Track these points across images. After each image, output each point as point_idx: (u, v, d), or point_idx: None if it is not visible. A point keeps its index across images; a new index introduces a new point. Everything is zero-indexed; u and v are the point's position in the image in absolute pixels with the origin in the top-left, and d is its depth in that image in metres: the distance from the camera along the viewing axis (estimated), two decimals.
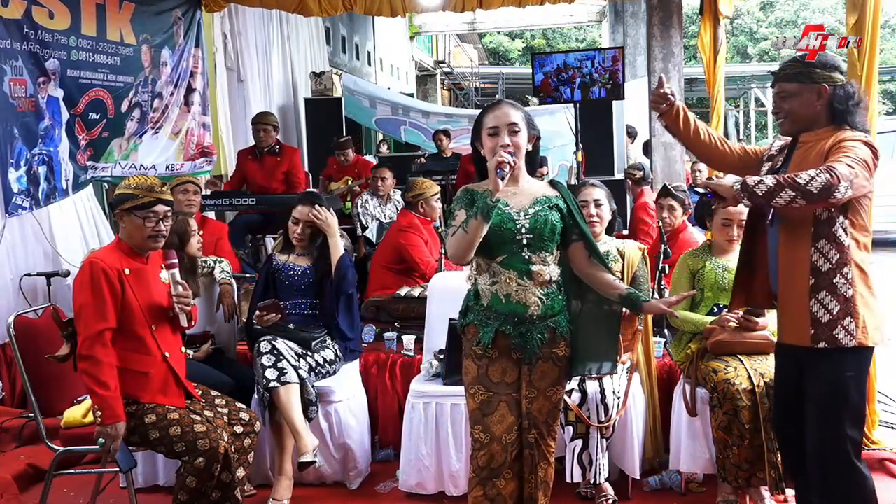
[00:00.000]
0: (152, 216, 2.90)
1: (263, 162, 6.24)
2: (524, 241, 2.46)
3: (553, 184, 2.63)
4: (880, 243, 8.90)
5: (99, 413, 2.76)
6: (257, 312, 3.49)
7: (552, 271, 2.50)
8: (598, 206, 3.40)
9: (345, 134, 9.20)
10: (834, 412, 2.51)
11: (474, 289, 2.56)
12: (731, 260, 3.39)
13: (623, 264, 3.37)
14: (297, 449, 3.31)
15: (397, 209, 6.47)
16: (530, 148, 2.55)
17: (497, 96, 20.35)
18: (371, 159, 10.21)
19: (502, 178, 2.34)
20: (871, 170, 2.43)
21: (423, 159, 9.00)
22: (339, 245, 3.68)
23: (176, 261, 3.01)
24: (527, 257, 2.46)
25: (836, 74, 2.53)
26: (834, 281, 2.46)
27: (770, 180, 2.35)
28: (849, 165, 2.35)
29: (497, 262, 2.48)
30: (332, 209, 3.80)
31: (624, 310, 3.32)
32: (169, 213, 2.98)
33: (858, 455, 2.55)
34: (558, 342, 2.52)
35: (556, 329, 2.51)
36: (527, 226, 2.47)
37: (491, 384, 2.51)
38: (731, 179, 2.46)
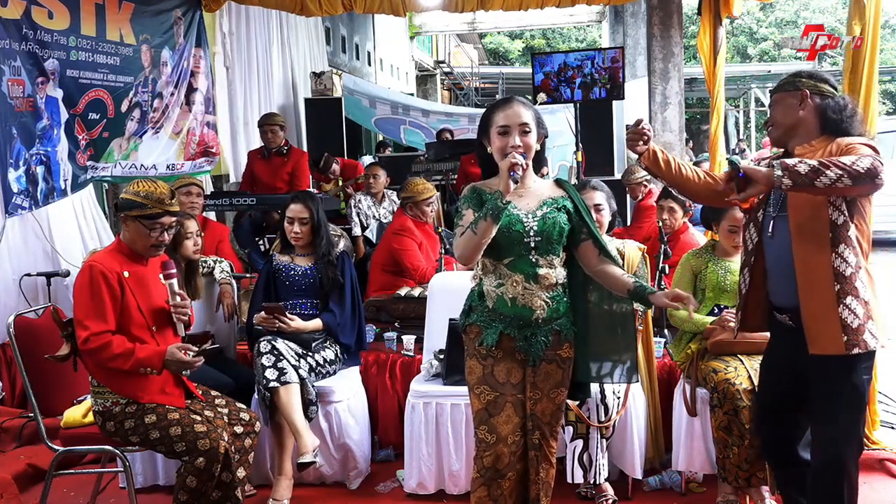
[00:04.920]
0: (158, 227, 2.90)
1: (271, 161, 6.34)
2: (532, 244, 2.45)
3: (559, 183, 2.60)
4: (880, 243, 8.89)
5: (150, 370, 2.82)
6: (261, 314, 3.49)
7: (558, 274, 2.49)
8: (598, 210, 3.39)
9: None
10: (856, 415, 2.54)
11: (479, 289, 2.54)
12: (734, 261, 3.39)
13: (623, 264, 3.36)
14: (298, 449, 3.31)
15: (393, 208, 6.45)
16: (538, 147, 2.52)
17: (497, 96, 20.32)
18: (370, 159, 10.20)
19: (516, 182, 2.33)
20: None
21: (423, 158, 8.97)
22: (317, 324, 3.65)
23: (174, 271, 3.02)
24: (534, 260, 2.45)
25: (824, 86, 2.55)
26: (856, 284, 2.44)
27: (811, 161, 2.29)
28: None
29: (504, 265, 2.46)
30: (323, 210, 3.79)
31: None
32: (174, 223, 2.98)
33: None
34: (562, 344, 2.52)
35: (560, 332, 2.50)
36: (535, 228, 2.45)
37: (497, 384, 2.50)
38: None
